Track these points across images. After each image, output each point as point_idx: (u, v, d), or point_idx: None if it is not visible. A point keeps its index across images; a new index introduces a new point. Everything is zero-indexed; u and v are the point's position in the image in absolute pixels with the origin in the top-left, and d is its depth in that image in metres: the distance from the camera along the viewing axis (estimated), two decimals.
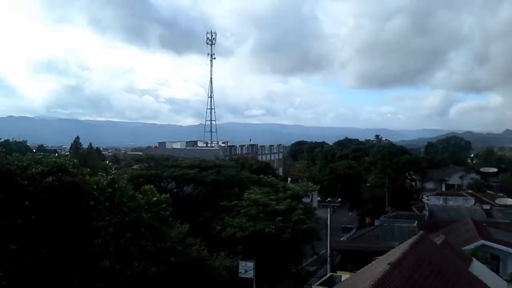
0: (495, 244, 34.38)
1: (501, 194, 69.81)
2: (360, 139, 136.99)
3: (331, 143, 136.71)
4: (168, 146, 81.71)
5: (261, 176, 43.66)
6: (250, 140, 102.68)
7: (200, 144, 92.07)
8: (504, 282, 26.88)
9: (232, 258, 27.40)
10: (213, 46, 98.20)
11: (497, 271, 31.77)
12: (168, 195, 19.82)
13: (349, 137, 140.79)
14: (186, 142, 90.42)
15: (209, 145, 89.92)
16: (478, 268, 25.47)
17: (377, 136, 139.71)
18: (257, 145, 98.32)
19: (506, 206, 60.67)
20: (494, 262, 33.62)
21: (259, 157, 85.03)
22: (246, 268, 27.95)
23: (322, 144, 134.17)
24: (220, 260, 25.06)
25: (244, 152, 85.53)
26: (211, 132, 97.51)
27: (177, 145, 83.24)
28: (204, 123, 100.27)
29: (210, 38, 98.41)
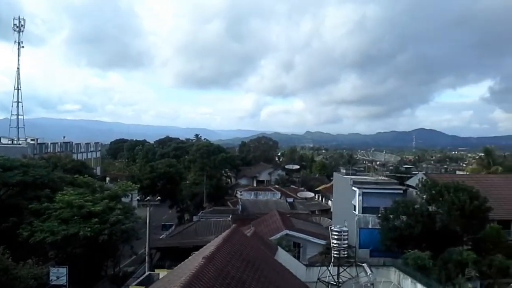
0: (296, 233, 38.99)
1: (302, 188, 79.14)
2: (180, 138, 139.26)
3: (152, 142, 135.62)
4: None
5: (76, 176, 41.11)
6: (64, 137, 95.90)
7: (4, 141, 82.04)
8: (304, 267, 30.78)
9: (42, 265, 25.44)
10: (21, 33, 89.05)
11: (298, 257, 36.12)
12: None
13: (170, 136, 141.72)
14: None
15: (15, 142, 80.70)
16: (283, 256, 28.70)
17: (196, 135, 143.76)
18: (72, 142, 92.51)
19: (306, 198, 69.06)
20: (296, 249, 38.11)
21: (74, 156, 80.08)
22: (58, 275, 26.34)
23: (143, 143, 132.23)
24: (27, 268, 23.04)
25: (57, 150, 79.55)
26: (18, 127, 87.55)
27: None
28: (9, 118, 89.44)
29: (17, 24, 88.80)
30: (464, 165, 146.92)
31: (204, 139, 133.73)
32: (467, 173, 74.51)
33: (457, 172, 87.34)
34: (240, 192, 70.53)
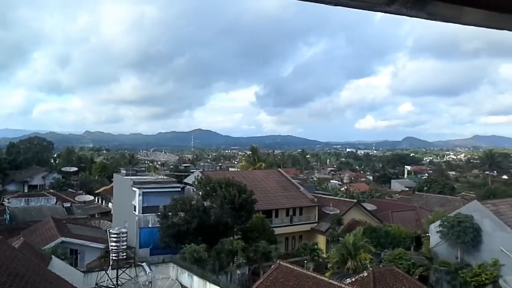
0: (73, 240, 37.23)
1: (81, 192, 75.30)
2: None
3: None
4: None
5: None
6: None
7: None
8: (81, 273, 29.74)
9: None
10: None
11: (76, 264, 34.62)
12: None
13: None
14: None
15: None
16: (58, 265, 27.28)
17: None
18: None
19: (85, 202, 66.01)
20: (73, 256, 36.40)
21: None
22: None
23: None
24: None
25: None
26: None
27: None
28: None
29: None
30: (235, 162, 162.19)
31: None
32: (238, 169, 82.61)
33: (230, 169, 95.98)
34: (8, 199, 62.97)
